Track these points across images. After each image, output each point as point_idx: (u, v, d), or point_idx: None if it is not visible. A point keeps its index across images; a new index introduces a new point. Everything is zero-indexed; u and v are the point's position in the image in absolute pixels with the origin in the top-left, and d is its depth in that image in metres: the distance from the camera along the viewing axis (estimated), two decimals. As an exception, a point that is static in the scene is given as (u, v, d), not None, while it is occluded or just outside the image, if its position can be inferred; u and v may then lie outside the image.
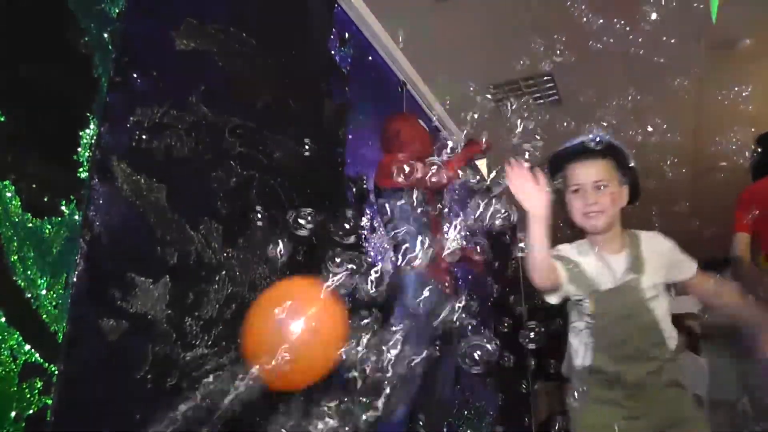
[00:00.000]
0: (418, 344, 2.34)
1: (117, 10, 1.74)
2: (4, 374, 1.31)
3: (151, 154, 1.77)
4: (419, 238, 2.36)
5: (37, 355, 1.38)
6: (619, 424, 1.65)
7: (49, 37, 1.56)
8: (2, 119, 1.39)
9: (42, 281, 1.43)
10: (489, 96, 4.03)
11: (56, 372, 1.40)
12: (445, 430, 3.35)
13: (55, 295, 1.45)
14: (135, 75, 1.76)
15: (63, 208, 1.51)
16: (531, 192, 1.62)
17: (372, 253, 2.82)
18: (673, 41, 3.01)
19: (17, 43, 1.46)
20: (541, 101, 4.09)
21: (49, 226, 1.47)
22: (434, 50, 3.52)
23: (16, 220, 1.40)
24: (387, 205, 2.60)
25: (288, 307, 1.44)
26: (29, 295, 1.40)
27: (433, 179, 2.37)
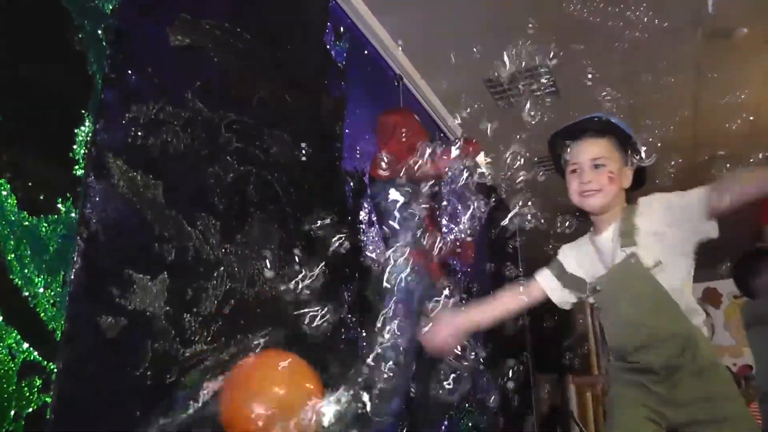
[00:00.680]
0: (410, 338, 2.34)
1: (111, 7, 1.73)
2: (2, 373, 1.31)
3: (148, 150, 1.76)
4: (412, 229, 2.36)
5: (35, 353, 1.38)
6: (648, 413, 1.54)
7: (43, 34, 1.55)
8: (-3, 117, 1.39)
9: (39, 279, 1.43)
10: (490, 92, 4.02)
11: (55, 370, 1.40)
12: (446, 423, 3.35)
13: (52, 293, 1.44)
14: (130, 71, 1.75)
15: (59, 206, 1.50)
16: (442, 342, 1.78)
17: (369, 246, 2.82)
18: (669, 31, 3.00)
19: (11, 40, 1.46)
20: (539, 93, 4.09)
21: (46, 224, 1.47)
22: (431, 44, 3.51)
23: (12, 218, 1.40)
24: (381, 196, 2.60)
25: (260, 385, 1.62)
26: (27, 294, 1.40)
27: (423, 171, 2.38)
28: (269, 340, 1.97)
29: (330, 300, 2.06)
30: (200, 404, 1.69)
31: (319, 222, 2.24)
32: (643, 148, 1.71)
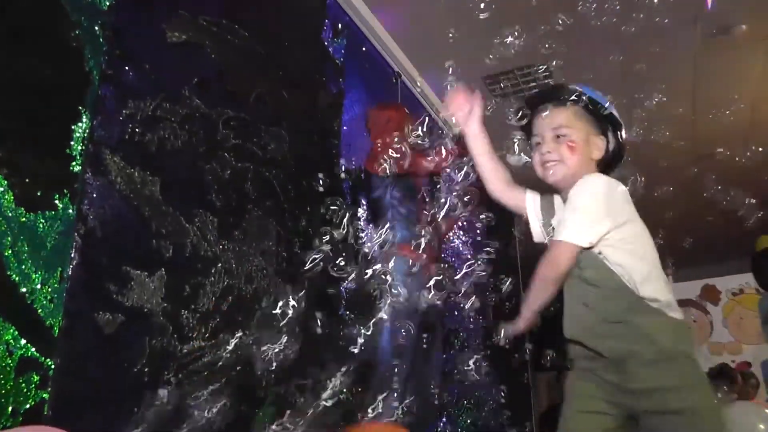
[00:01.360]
0: (405, 331, 2.35)
1: (108, 3, 1.73)
2: (0, 369, 1.31)
3: (145, 146, 1.76)
4: (406, 223, 2.36)
5: (33, 349, 1.38)
6: (600, 405, 1.45)
7: (39, 30, 1.54)
8: (-7, 113, 1.39)
9: (37, 276, 1.42)
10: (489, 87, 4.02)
11: (52, 366, 1.40)
12: (444, 420, 3.36)
13: (50, 290, 1.44)
14: (127, 68, 1.75)
15: (56, 202, 1.50)
16: (459, 106, 1.64)
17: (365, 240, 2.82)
18: (668, 28, 2.99)
19: (7, 37, 1.45)
20: (537, 89, 4.08)
21: (43, 221, 1.47)
22: (429, 40, 3.51)
23: (10, 214, 1.39)
24: (376, 190, 2.60)
25: None
26: (24, 290, 1.39)
27: (420, 167, 2.37)
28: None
29: (327, 296, 2.06)
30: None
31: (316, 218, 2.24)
32: (614, 112, 1.61)
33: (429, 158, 2.42)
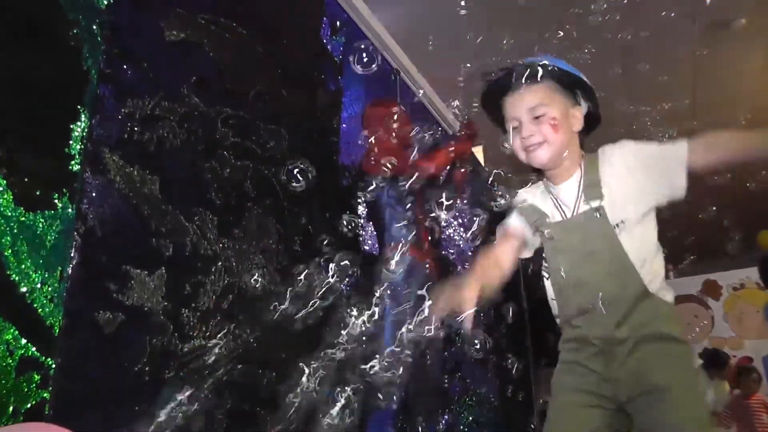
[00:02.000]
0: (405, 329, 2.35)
1: (106, 2, 1.72)
2: (0, 369, 1.31)
3: (144, 145, 1.76)
4: (403, 222, 2.36)
5: (33, 349, 1.37)
6: (586, 398, 1.41)
7: (37, 29, 1.54)
8: (-9, 113, 1.38)
9: (36, 275, 1.42)
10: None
11: (53, 366, 1.40)
12: (446, 417, 3.36)
13: (50, 289, 1.44)
14: (125, 66, 1.75)
15: (56, 201, 1.50)
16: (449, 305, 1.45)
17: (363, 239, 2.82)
18: (667, 21, 2.99)
19: (5, 36, 1.45)
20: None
21: (43, 220, 1.46)
22: (427, 37, 3.50)
23: (9, 214, 1.39)
24: (372, 191, 2.60)
25: None
26: (24, 290, 1.39)
27: (418, 168, 2.38)
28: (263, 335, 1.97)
29: (327, 294, 2.06)
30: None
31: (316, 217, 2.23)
32: (583, 77, 1.53)
33: (429, 160, 2.42)
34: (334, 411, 2.02)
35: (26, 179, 1.44)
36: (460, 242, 3.89)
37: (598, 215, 1.43)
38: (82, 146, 1.58)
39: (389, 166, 2.21)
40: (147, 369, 1.61)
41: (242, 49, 2.23)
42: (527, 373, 4.95)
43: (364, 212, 2.87)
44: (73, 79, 1.60)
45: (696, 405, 1.37)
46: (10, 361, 1.33)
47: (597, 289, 1.42)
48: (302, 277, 1.91)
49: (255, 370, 1.95)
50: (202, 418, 1.71)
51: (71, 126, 1.57)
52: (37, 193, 1.46)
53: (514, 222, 1.66)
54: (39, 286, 1.42)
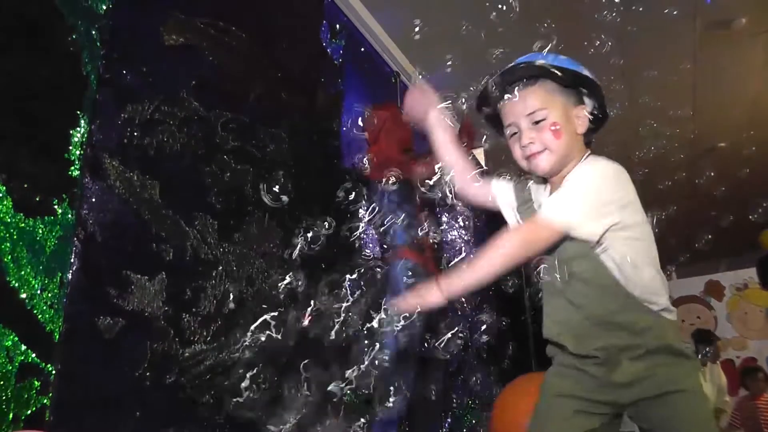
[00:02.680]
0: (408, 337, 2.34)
1: (104, 7, 1.72)
2: (0, 375, 1.30)
3: (144, 150, 1.75)
4: (404, 226, 2.35)
5: (33, 355, 1.37)
6: (579, 404, 1.35)
7: (36, 35, 1.54)
8: (-10, 119, 1.38)
9: (36, 281, 1.42)
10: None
11: (53, 372, 1.40)
12: (449, 420, 3.35)
13: (50, 295, 1.44)
14: (124, 71, 1.74)
15: (56, 207, 1.50)
16: (414, 103, 1.58)
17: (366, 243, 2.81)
18: (667, 22, 2.99)
19: (4, 41, 1.45)
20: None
21: (42, 226, 1.46)
22: (427, 40, 3.50)
23: (9, 220, 1.39)
24: (374, 196, 2.59)
25: None
26: (24, 296, 1.39)
27: (417, 171, 2.36)
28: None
29: (327, 296, 2.05)
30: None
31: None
32: (586, 73, 1.42)
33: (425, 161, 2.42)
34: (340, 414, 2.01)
35: (26, 185, 1.44)
36: (461, 244, 3.89)
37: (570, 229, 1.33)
38: (82, 151, 1.58)
39: (393, 175, 2.20)
40: (148, 374, 1.61)
41: (241, 52, 2.23)
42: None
43: (365, 216, 2.87)
44: (72, 84, 1.60)
45: (705, 413, 1.35)
46: (10, 367, 1.32)
47: (587, 309, 1.35)
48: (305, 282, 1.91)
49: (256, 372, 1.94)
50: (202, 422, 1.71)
51: (71, 131, 1.57)
52: (37, 198, 1.46)
53: (503, 187, 1.57)
54: (39, 292, 1.42)
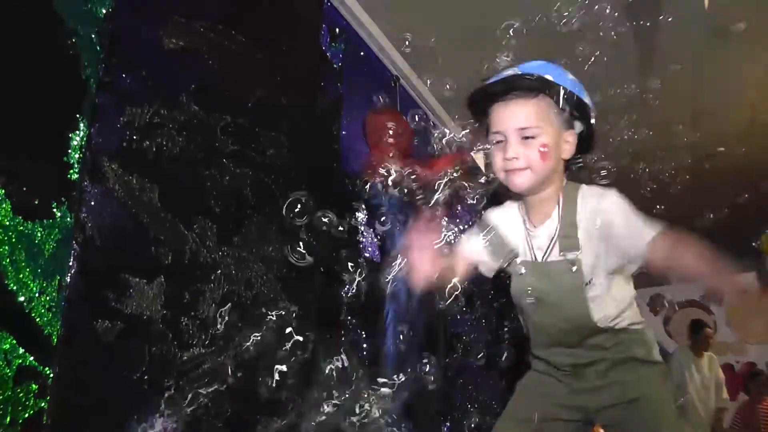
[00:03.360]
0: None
1: (104, 11, 1.73)
2: (-2, 379, 1.30)
3: (143, 154, 1.75)
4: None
5: (31, 358, 1.37)
6: (551, 409, 1.42)
7: (36, 39, 1.54)
8: (-11, 122, 1.38)
9: (35, 284, 1.42)
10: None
11: (51, 375, 1.39)
12: (447, 425, 3.34)
13: (48, 298, 1.44)
14: (124, 75, 1.75)
15: (54, 210, 1.50)
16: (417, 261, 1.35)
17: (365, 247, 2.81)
18: (667, 27, 2.99)
19: (3, 46, 1.45)
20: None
21: (41, 229, 1.46)
22: (427, 44, 3.50)
23: (7, 223, 1.39)
24: (374, 199, 2.60)
25: None
26: (22, 299, 1.39)
27: (417, 176, 2.36)
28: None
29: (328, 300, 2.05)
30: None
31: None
32: (585, 99, 1.38)
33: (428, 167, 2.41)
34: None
35: (24, 188, 1.44)
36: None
37: (574, 269, 1.34)
38: (81, 155, 1.58)
39: (392, 179, 2.20)
40: (146, 378, 1.60)
41: (241, 56, 2.23)
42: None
43: (365, 219, 2.87)
44: (71, 87, 1.60)
45: (670, 417, 1.38)
46: (8, 370, 1.32)
47: (563, 333, 1.41)
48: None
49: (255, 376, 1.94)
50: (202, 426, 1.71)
51: (70, 135, 1.57)
52: (36, 202, 1.46)
53: (475, 248, 1.49)
54: (37, 295, 1.42)
